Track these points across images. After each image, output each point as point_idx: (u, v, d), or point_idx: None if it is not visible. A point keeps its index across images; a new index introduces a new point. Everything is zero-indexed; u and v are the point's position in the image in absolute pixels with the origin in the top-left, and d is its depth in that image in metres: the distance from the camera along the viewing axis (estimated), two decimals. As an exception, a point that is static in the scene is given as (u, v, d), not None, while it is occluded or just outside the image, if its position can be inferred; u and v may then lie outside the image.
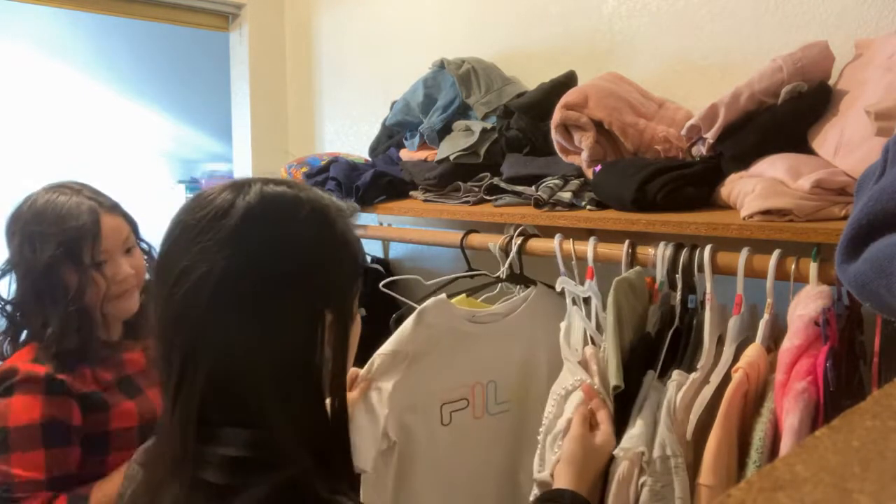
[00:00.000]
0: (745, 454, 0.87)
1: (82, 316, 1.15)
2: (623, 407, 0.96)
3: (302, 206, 0.67)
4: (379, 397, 1.09)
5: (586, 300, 1.12)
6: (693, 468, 0.91)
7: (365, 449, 1.03)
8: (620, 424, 0.94)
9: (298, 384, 0.66)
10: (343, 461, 0.71)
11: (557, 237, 1.20)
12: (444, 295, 1.18)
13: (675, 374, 0.94)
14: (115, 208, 1.22)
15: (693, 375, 0.94)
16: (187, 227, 0.66)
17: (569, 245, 1.18)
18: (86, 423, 1.11)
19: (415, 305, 1.16)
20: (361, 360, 1.11)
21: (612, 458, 0.92)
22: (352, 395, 1.05)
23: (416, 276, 1.40)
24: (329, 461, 0.68)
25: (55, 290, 1.13)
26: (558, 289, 1.15)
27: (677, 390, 0.92)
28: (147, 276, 1.26)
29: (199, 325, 0.64)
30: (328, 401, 0.70)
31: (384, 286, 1.40)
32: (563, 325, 1.11)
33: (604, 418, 0.95)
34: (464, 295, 1.26)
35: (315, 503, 0.62)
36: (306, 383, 0.67)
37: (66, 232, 1.13)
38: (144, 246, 1.28)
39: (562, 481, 0.90)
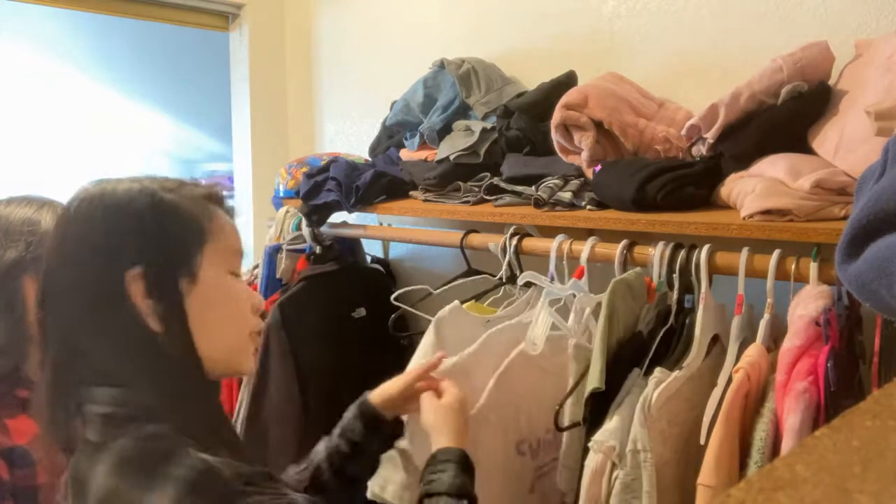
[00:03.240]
0: (747, 454, 0.87)
1: (21, 338, 1.03)
2: (605, 402, 0.97)
3: (86, 188, 0.78)
4: None
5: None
6: (689, 467, 0.92)
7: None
8: (600, 419, 0.95)
9: (122, 337, 0.73)
10: (211, 424, 0.77)
11: (559, 238, 1.20)
12: (457, 301, 1.17)
13: (657, 372, 0.95)
14: None
15: (675, 373, 0.94)
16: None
17: (567, 245, 1.18)
18: (13, 478, 1.01)
19: (428, 317, 1.16)
20: (367, 358, 1.11)
21: (586, 450, 0.93)
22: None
23: (426, 287, 1.37)
24: (185, 412, 0.73)
25: (11, 298, 1.02)
26: (520, 283, 1.15)
27: (655, 387, 0.92)
28: None
29: (42, 299, 0.76)
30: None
31: (395, 300, 1.39)
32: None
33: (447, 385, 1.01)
34: (473, 301, 1.25)
35: (163, 456, 0.67)
36: (130, 338, 0.73)
37: (36, 233, 1.04)
38: None
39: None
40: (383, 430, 1.02)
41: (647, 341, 1.02)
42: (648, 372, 0.97)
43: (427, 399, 0.99)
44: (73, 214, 0.75)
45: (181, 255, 0.76)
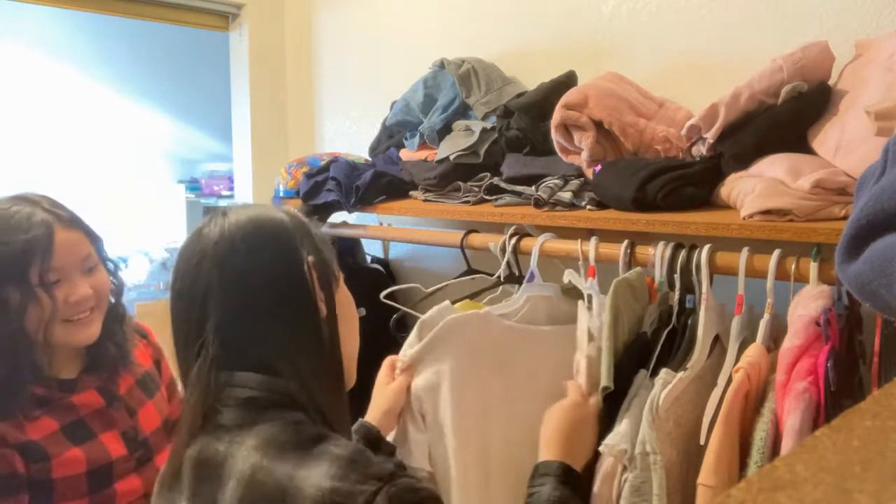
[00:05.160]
0: (747, 454, 0.87)
1: (16, 341, 1.03)
2: (616, 405, 0.96)
3: (225, 212, 0.84)
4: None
5: (590, 297, 1.12)
6: (691, 467, 0.92)
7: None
8: (611, 422, 0.95)
9: (299, 325, 0.79)
10: (339, 409, 0.81)
11: (545, 236, 1.22)
12: (447, 301, 1.17)
13: (663, 373, 0.94)
14: (74, 222, 1.10)
15: (680, 374, 0.94)
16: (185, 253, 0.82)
17: (572, 245, 1.18)
18: (28, 472, 1.03)
19: (410, 311, 1.16)
20: (366, 359, 1.11)
21: (597, 454, 0.93)
22: (392, 385, 1.07)
23: (417, 285, 1.38)
24: (328, 406, 0.79)
25: None
26: (565, 280, 1.14)
27: (662, 388, 0.92)
28: (112, 300, 1.16)
29: (207, 290, 0.78)
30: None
31: (385, 297, 1.39)
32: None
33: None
34: (467, 300, 1.25)
35: (314, 438, 0.71)
36: (307, 325, 0.79)
37: (11, 246, 1.02)
38: (111, 265, 1.17)
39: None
40: (385, 449, 1.02)
41: (651, 342, 1.02)
42: (654, 373, 0.97)
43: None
44: (235, 232, 0.79)
45: (330, 258, 0.85)
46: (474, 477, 1.07)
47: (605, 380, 0.95)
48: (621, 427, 0.92)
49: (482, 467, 1.09)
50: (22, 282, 1.03)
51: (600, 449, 0.92)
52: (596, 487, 0.91)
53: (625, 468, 0.90)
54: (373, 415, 1.04)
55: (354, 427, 1.02)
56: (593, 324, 1.06)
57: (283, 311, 0.79)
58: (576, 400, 0.96)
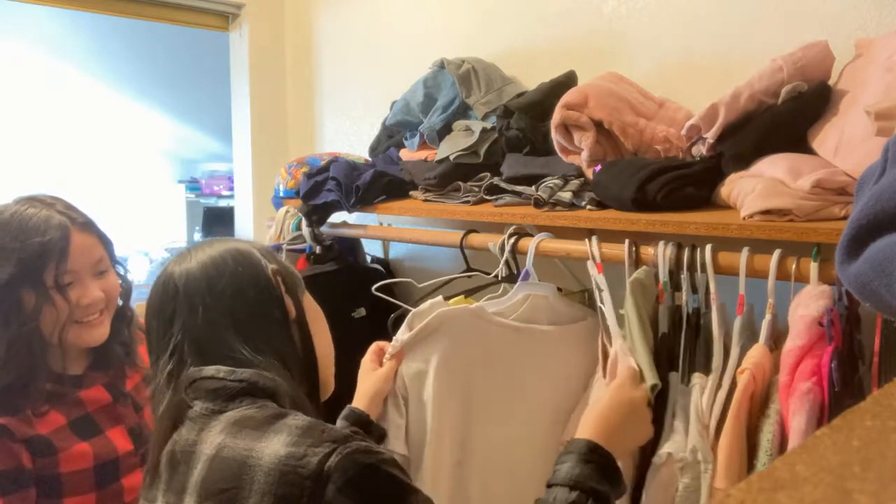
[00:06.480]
0: (753, 456, 0.87)
1: (32, 341, 1.05)
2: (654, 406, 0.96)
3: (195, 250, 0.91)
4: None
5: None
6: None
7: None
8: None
9: (267, 322, 0.85)
10: (312, 396, 0.88)
11: (542, 235, 1.22)
12: (440, 297, 1.17)
13: (696, 378, 0.94)
14: (88, 226, 1.12)
15: (712, 377, 0.94)
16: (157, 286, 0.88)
17: (570, 245, 1.18)
18: (35, 466, 1.04)
19: (410, 308, 1.16)
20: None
21: (650, 463, 0.92)
22: (381, 371, 1.09)
23: (410, 280, 1.39)
24: (301, 400, 0.83)
25: (9, 311, 1.04)
26: (590, 270, 1.13)
27: (701, 394, 0.92)
28: (119, 302, 1.18)
29: (175, 296, 0.84)
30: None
31: (378, 290, 1.39)
32: None
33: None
34: (462, 296, 1.25)
35: (275, 416, 0.75)
36: (275, 322, 0.85)
37: (28, 248, 1.03)
38: (120, 269, 1.20)
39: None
40: (375, 433, 1.03)
41: (672, 343, 1.02)
42: (683, 375, 0.97)
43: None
44: (199, 254, 0.87)
45: (295, 272, 0.93)
46: (449, 465, 1.08)
47: (653, 378, 0.94)
48: (678, 435, 0.91)
49: (458, 457, 1.10)
50: (37, 283, 1.04)
51: (654, 460, 0.91)
52: (651, 493, 0.90)
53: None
54: (360, 400, 1.05)
55: (344, 413, 1.03)
56: (611, 319, 1.06)
57: (251, 308, 0.84)
58: (622, 382, 0.92)
